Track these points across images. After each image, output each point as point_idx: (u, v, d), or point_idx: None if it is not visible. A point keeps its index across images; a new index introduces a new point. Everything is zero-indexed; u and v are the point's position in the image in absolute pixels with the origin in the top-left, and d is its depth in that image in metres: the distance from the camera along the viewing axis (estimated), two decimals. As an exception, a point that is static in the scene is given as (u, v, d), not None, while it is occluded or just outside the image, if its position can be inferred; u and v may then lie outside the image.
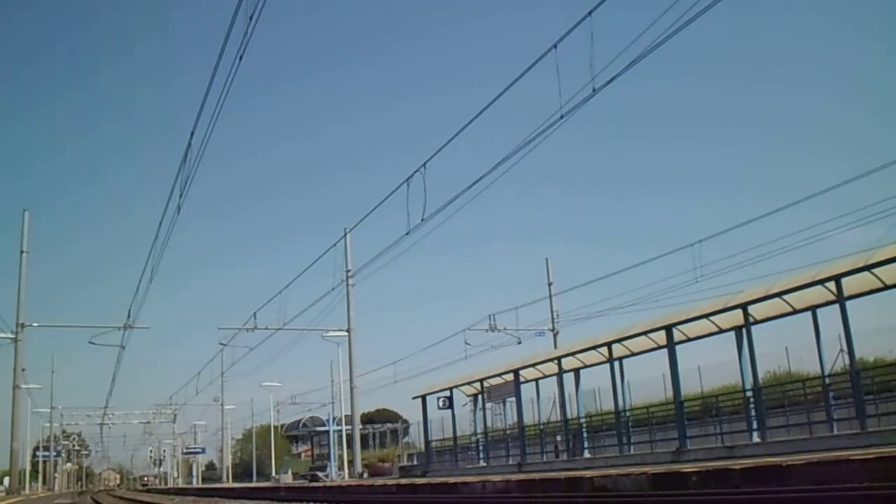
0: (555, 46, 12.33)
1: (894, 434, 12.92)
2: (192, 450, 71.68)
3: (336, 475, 37.42)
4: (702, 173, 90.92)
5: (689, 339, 19.66)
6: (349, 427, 33.44)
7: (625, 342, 20.70)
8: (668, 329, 18.46)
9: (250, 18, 10.32)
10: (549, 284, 33.10)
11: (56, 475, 72.28)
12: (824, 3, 70.44)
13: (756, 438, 16.29)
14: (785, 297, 16.19)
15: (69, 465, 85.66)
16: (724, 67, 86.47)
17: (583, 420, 23.18)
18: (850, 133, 71.76)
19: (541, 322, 32.56)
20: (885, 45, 60.51)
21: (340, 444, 41.31)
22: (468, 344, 31.17)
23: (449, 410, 27.99)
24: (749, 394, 17.23)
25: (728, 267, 22.02)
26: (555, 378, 24.57)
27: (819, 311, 16.34)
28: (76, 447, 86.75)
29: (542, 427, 25.09)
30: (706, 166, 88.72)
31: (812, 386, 16.99)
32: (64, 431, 74.30)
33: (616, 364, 20.90)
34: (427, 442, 30.32)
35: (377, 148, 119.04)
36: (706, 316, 17.91)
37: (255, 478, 61.21)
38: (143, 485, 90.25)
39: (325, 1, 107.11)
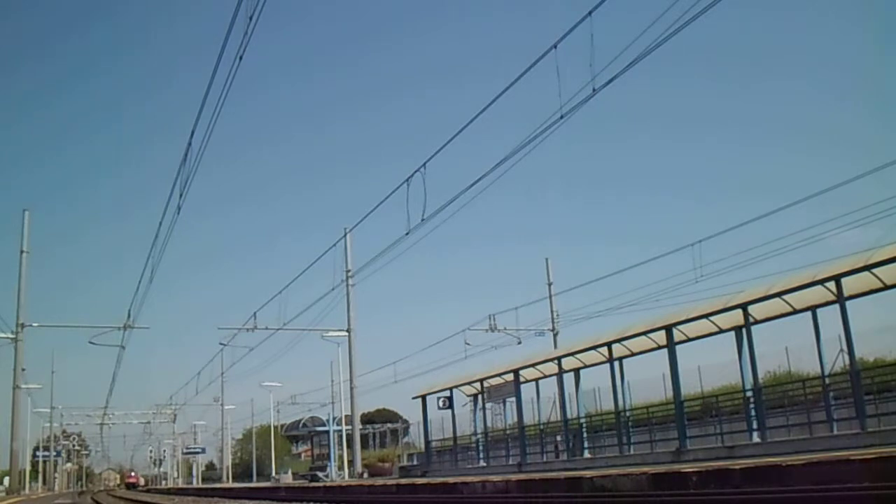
0: (555, 46, 12.33)
1: (894, 434, 12.92)
2: (192, 450, 71.72)
3: (336, 475, 37.41)
4: (702, 173, 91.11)
5: (689, 339, 19.65)
6: (349, 427, 33.45)
7: (625, 342, 20.70)
8: (668, 329, 18.46)
9: (250, 19, 10.34)
10: (549, 284, 33.14)
11: (56, 475, 72.28)
12: (824, 3, 70.47)
13: (756, 438, 16.29)
14: (785, 297, 16.18)
15: (69, 465, 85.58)
16: (725, 67, 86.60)
17: (583, 420, 23.18)
18: (849, 133, 71.80)
19: (541, 322, 32.62)
20: (885, 45, 60.51)
21: (340, 444, 41.31)
22: (468, 344, 31.21)
23: (449, 410, 27.99)
24: (749, 394, 17.23)
25: (728, 267, 22.02)
26: (555, 378, 24.57)
27: (819, 311, 16.34)
28: (76, 447, 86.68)
29: (542, 427, 25.08)
30: (706, 166, 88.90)
31: (812, 386, 16.99)
32: (64, 431, 74.31)
33: (616, 364, 20.90)
34: (427, 442, 30.33)
35: (377, 148, 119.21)
36: (706, 316, 17.91)
37: (255, 478, 61.23)
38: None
39: (324, 1, 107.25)
